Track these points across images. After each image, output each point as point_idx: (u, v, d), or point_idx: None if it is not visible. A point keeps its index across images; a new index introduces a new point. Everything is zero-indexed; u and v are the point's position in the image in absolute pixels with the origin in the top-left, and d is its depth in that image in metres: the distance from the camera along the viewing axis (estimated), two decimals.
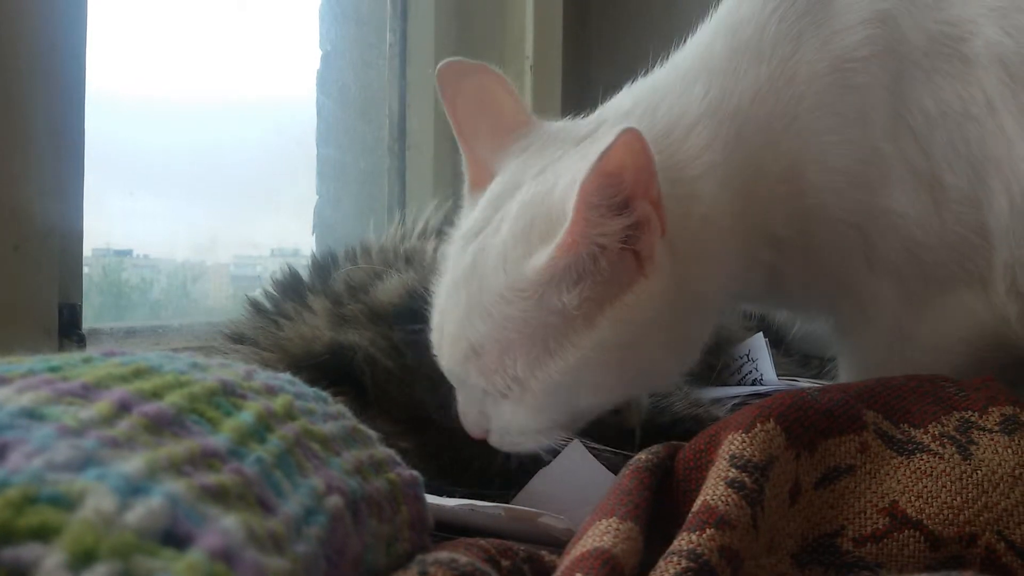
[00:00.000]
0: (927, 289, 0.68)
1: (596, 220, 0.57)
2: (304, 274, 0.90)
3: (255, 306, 0.87)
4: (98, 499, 0.24)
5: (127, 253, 1.30)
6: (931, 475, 0.52)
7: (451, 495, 0.64)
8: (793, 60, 0.66)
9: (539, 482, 0.68)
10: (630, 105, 0.69)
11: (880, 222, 0.67)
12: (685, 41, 0.72)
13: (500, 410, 0.65)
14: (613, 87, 0.73)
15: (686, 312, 0.64)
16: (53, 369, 0.34)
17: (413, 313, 0.77)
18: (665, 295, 0.61)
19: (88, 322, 0.95)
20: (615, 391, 0.66)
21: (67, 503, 0.24)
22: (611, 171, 0.55)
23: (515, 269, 0.60)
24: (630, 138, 0.54)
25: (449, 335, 0.65)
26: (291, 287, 0.87)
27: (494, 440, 0.67)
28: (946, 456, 0.53)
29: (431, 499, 0.55)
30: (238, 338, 0.83)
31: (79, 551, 0.23)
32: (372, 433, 0.49)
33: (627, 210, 0.58)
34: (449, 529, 0.59)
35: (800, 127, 0.66)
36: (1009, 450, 0.53)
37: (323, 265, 0.90)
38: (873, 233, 0.67)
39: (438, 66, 0.67)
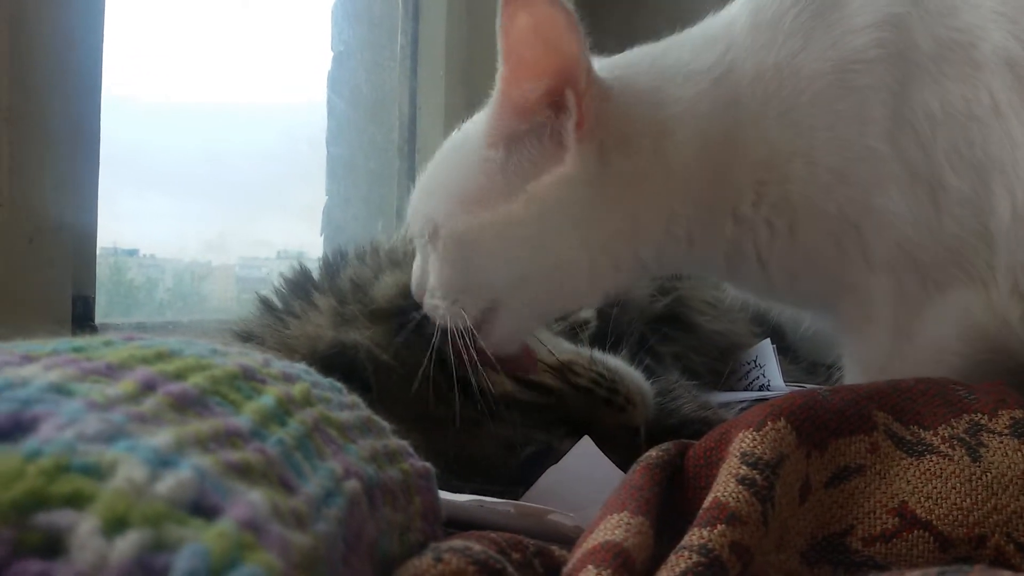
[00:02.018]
0: (925, 289, 0.68)
1: (521, 76, 0.66)
2: (315, 271, 0.90)
3: (264, 303, 0.87)
4: (129, 469, 0.25)
5: (133, 252, 1.31)
6: (941, 476, 0.52)
7: (460, 491, 0.64)
8: (801, 55, 0.68)
9: (548, 479, 0.69)
10: (655, 48, 0.73)
11: (875, 220, 0.67)
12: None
13: (429, 266, 0.73)
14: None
15: (598, 223, 0.69)
16: (77, 349, 0.35)
17: (407, 311, 0.78)
18: (576, 190, 0.67)
19: (96, 318, 0.96)
20: (513, 272, 0.70)
21: (99, 473, 0.25)
22: (524, 25, 0.64)
23: (468, 127, 0.73)
24: (553, 10, 0.63)
25: (413, 196, 0.76)
26: (300, 285, 0.88)
27: (425, 302, 0.73)
28: (956, 458, 0.53)
29: (440, 495, 0.55)
30: (246, 336, 0.83)
31: (112, 518, 0.23)
32: (385, 424, 0.50)
33: (550, 85, 0.66)
34: (457, 525, 0.59)
35: (794, 119, 0.68)
36: (1019, 453, 0.53)
37: (333, 264, 0.91)
38: (868, 231, 0.68)
39: None
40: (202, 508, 0.25)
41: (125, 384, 0.31)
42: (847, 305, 0.72)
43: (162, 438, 0.27)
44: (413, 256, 0.87)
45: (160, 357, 0.36)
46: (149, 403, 0.30)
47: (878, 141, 0.66)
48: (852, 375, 0.74)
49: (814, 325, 0.83)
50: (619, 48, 0.74)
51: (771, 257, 0.71)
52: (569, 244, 0.69)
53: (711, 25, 0.73)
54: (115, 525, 0.23)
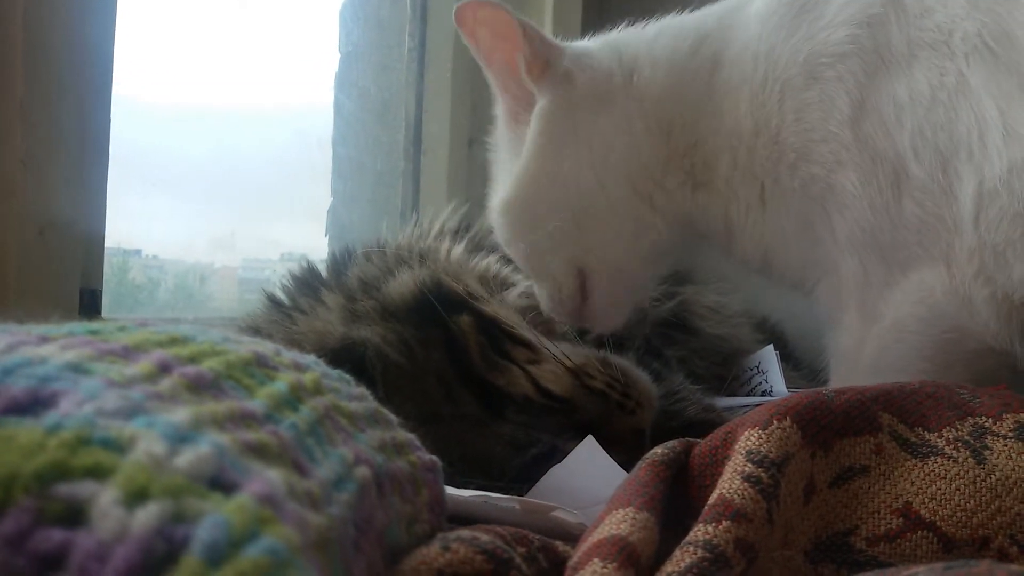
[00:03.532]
0: (890, 271, 0.71)
1: (497, 65, 0.82)
2: (322, 269, 0.90)
3: (271, 299, 0.87)
4: (149, 443, 0.25)
5: (137, 253, 1.31)
6: (945, 478, 0.52)
7: (465, 487, 0.65)
8: (781, 46, 0.74)
9: (552, 478, 0.69)
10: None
11: (837, 199, 0.72)
12: None
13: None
14: None
15: (590, 142, 0.79)
16: (93, 332, 0.35)
17: (425, 308, 0.78)
18: (555, 116, 0.79)
19: (103, 313, 0.96)
20: (556, 220, 0.79)
21: (119, 446, 0.25)
22: (485, 34, 0.80)
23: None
24: (486, 8, 0.78)
25: None
26: (307, 282, 0.88)
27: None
28: (960, 460, 0.53)
29: (445, 489, 0.55)
30: (252, 331, 0.83)
31: (132, 489, 0.23)
32: (392, 417, 0.50)
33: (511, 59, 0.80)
34: (462, 521, 0.59)
35: (764, 101, 0.74)
36: (1023, 456, 0.53)
37: (340, 261, 0.91)
38: (832, 209, 0.72)
39: (456, 7, 0.81)
40: (221, 483, 0.25)
41: (142, 365, 0.31)
42: (824, 293, 0.76)
43: (180, 415, 0.27)
44: (424, 254, 0.87)
45: (174, 342, 0.36)
46: (166, 383, 0.30)
47: (840, 127, 0.71)
48: (833, 367, 0.77)
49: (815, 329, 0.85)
50: None
51: (748, 227, 0.77)
52: (578, 169, 0.79)
53: (713, 9, 0.82)
54: (136, 496, 0.23)
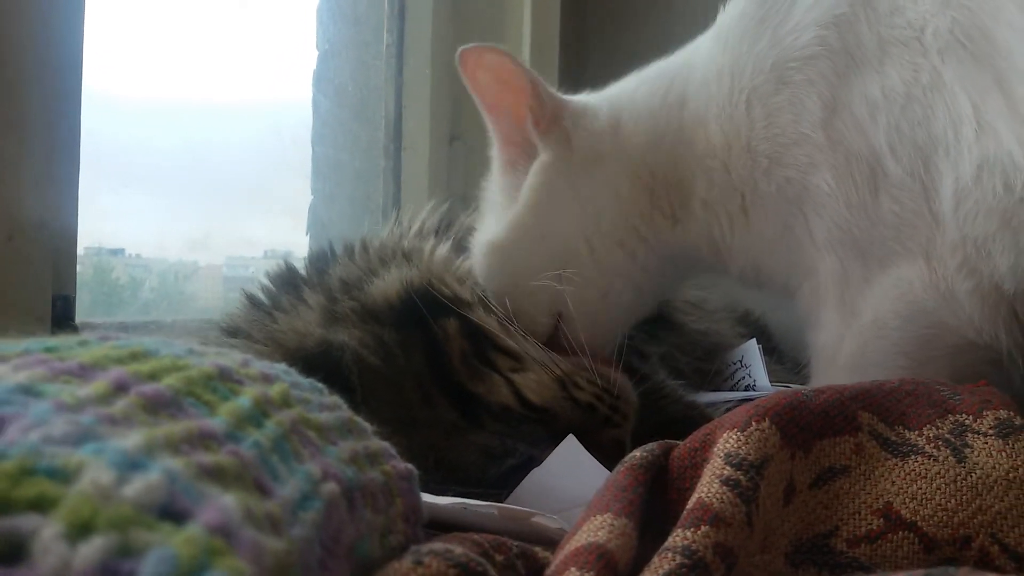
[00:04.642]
0: (868, 267, 0.71)
1: (498, 112, 0.83)
2: (301, 268, 0.89)
3: (250, 300, 0.86)
4: (96, 472, 0.24)
5: (119, 252, 1.29)
6: (926, 477, 0.52)
7: (443, 494, 0.64)
8: (745, 57, 0.75)
9: (533, 480, 0.68)
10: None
11: (813, 200, 0.72)
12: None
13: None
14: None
15: (580, 199, 0.81)
16: (49, 349, 0.34)
17: (409, 311, 0.77)
18: (552, 173, 0.81)
19: (79, 317, 0.95)
20: (545, 257, 0.81)
21: (64, 476, 0.24)
22: (486, 79, 0.82)
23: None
24: (491, 54, 0.81)
25: None
26: (288, 280, 0.87)
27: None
28: (941, 459, 0.53)
29: (423, 497, 0.54)
30: (233, 331, 0.83)
31: (76, 522, 0.22)
32: (367, 425, 0.49)
33: (517, 110, 0.82)
34: (441, 528, 0.59)
35: (731, 113, 0.76)
36: (1003, 454, 0.53)
37: (322, 259, 0.90)
38: (808, 210, 0.73)
39: (460, 50, 0.82)
40: (171, 512, 0.24)
41: (96, 385, 0.30)
42: (805, 293, 0.76)
43: (132, 440, 0.26)
44: (408, 254, 0.87)
45: (134, 357, 0.35)
46: (120, 404, 0.29)
47: (813, 129, 0.71)
48: (814, 366, 0.77)
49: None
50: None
51: (735, 242, 0.78)
52: (569, 229, 0.81)
53: (680, 52, 0.84)
54: (80, 530, 0.22)
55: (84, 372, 0.32)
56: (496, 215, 0.85)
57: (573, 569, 0.42)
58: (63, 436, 0.25)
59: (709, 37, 0.80)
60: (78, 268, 1.04)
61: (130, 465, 0.25)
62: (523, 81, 0.80)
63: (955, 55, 0.66)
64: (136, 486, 0.24)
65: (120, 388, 0.31)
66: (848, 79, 0.71)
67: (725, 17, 0.79)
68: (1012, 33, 0.64)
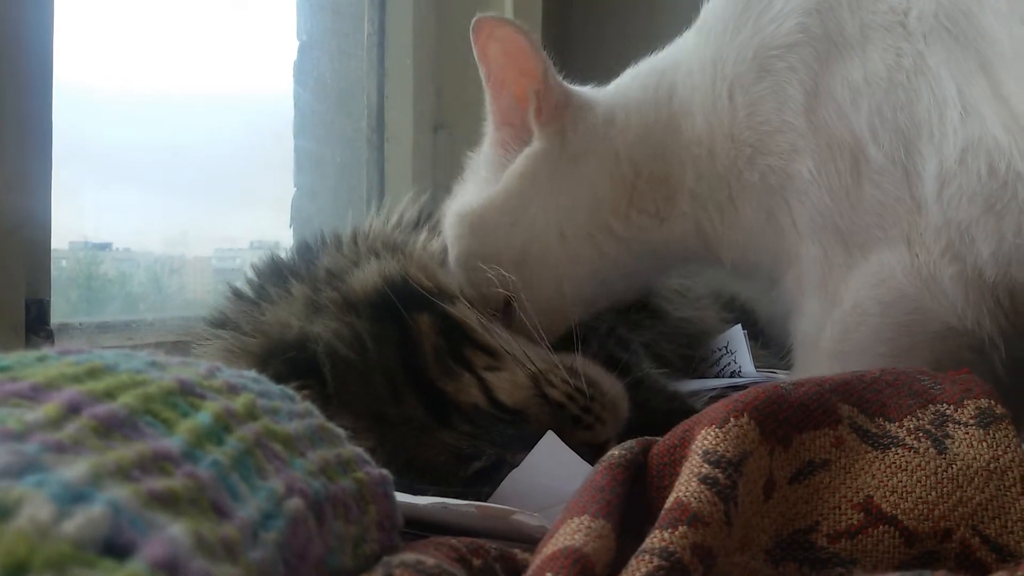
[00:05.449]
0: (850, 254, 0.71)
1: (501, 89, 0.81)
2: (287, 259, 0.89)
3: (236, 294, 0.86)
4: (34, 508, 0.23)
5: (106, 246, 1.28)
6: (906, 470, 0.52)
7: (424, 493, 0.63)
8: (728, 47, 0.75)
9: (515, 479, 0.68)
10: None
11: (795, 187, 0.72)
12: None
13: None
14: (593, 82, 0.86)
15: (558, 192, 0.80)
16: (2, 369, 0.33)
17: (385, 303, 0.76)
18: (538, 163, 0.80)
19: (62, 316, 0.94)
20: (513, 241, 0.81)
21: (3, 512, 0.23)
22: (496, 52, 0.80)
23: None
24: (508, 28, 0.79)
25: None
26: (274, 271, 0.86)
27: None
28: (921, 450, 0.53)
29: (402, 497, 0.54)
30: (220, 323, 0.82)
31: (10, 563, 0.22)
32: (340, 431, 0.48)
33: (522, 91, 0.80)
34: (420, 527, 0.58)
35: (714, 102, 0.76)
36: (984, 444, 0.53)
37: (310, 249, 0.89)
38: (791, 197, 0.73)
39: (476, 17, 0.81)
40: (115, 547, 0.24)
41: (47, 408, 0.30)
42: (788, 281, 0.76)
43: (77, 470, 0.26)
44: (395, 245, 0.86)
45: (91, 374, 0.35)
46: (70, 428, 0.29)
47: (794, 116, 0.71)
48: (796, 354, 0.77)
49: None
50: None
51: (725, 233, 0.77)
52: (543, 218, 0.80)
53: (671, 45, 0.84)
54: (13, 571, 0.22)
55: (36, 393, 0.31)
56: (478, 186, 0.85)
57: (549, 574, 0.42)
58: (4, 468, 0.25)
59: (695, 29, 0.80)
60: (63, 264, 1.03)
61: (73, 498, 0.24)
62: (535, 63, 0.79)
63: (939, 39, 0.66)
64: (77, 521, 0.24)
65: (72, 410, 0.30)
66: (830, 65, 0.70)
67: (709, 7, 0.79)
68: (996, 17, 0.64)
